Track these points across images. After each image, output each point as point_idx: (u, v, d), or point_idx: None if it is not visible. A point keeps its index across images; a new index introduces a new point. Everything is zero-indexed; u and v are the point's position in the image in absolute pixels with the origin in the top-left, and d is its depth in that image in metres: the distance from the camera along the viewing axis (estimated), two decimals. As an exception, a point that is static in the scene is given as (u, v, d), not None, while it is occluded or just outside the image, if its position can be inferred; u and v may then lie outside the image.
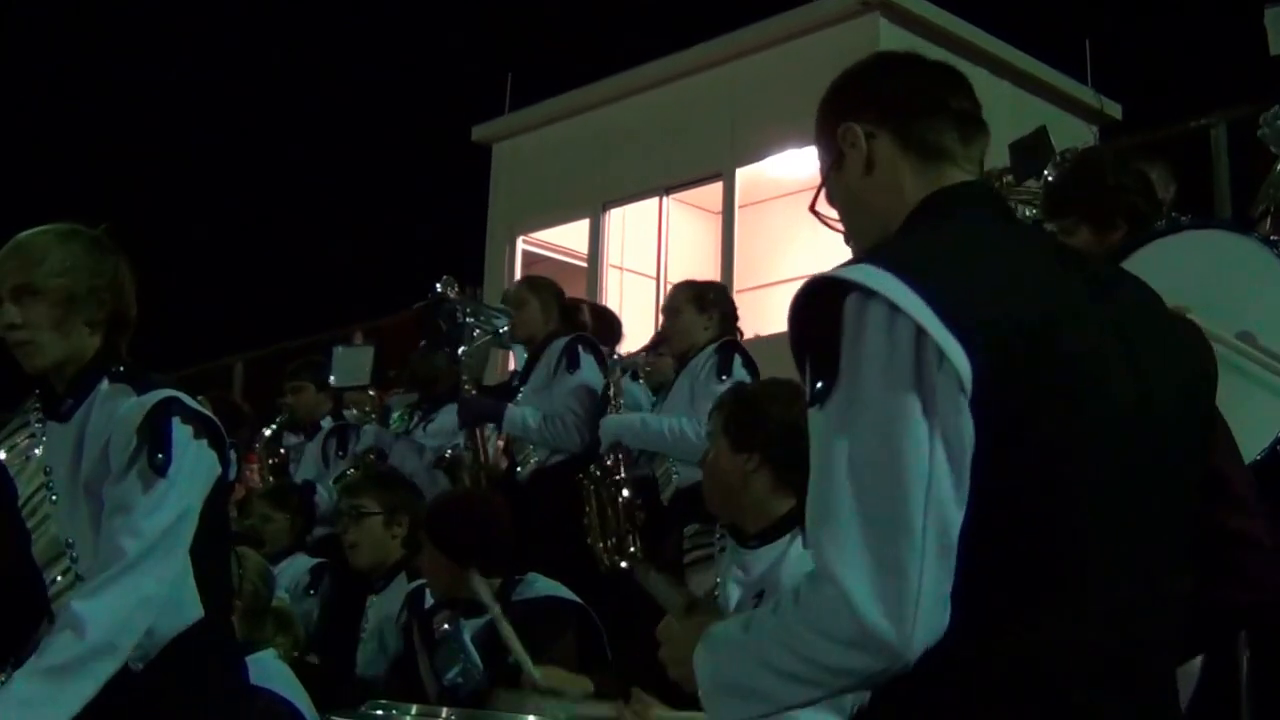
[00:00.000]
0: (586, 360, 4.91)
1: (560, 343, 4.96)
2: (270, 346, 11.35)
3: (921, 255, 1.42)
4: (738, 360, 4.52)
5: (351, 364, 6.12)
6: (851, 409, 1.35)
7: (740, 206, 9.24)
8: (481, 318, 5.77)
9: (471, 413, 5.06)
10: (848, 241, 1.66)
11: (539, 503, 4.73)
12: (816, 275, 1.42)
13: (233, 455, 2.63)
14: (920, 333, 1.33)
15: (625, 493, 4.61)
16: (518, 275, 10.56)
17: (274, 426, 6.18)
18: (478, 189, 11.28)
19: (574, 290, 8.78)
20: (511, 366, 6.73)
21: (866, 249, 1.56)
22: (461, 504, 3.61)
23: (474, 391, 5.24)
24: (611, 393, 4.78)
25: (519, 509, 4.76)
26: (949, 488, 1.31)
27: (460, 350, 5.41)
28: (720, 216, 9.46)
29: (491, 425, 5.08)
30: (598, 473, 4.63)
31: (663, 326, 4.82)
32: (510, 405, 4.92)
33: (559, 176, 10.48)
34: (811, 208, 1.70)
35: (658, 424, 4.53)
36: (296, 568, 4.79)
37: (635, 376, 5.33)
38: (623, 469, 4.63)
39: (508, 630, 3.07)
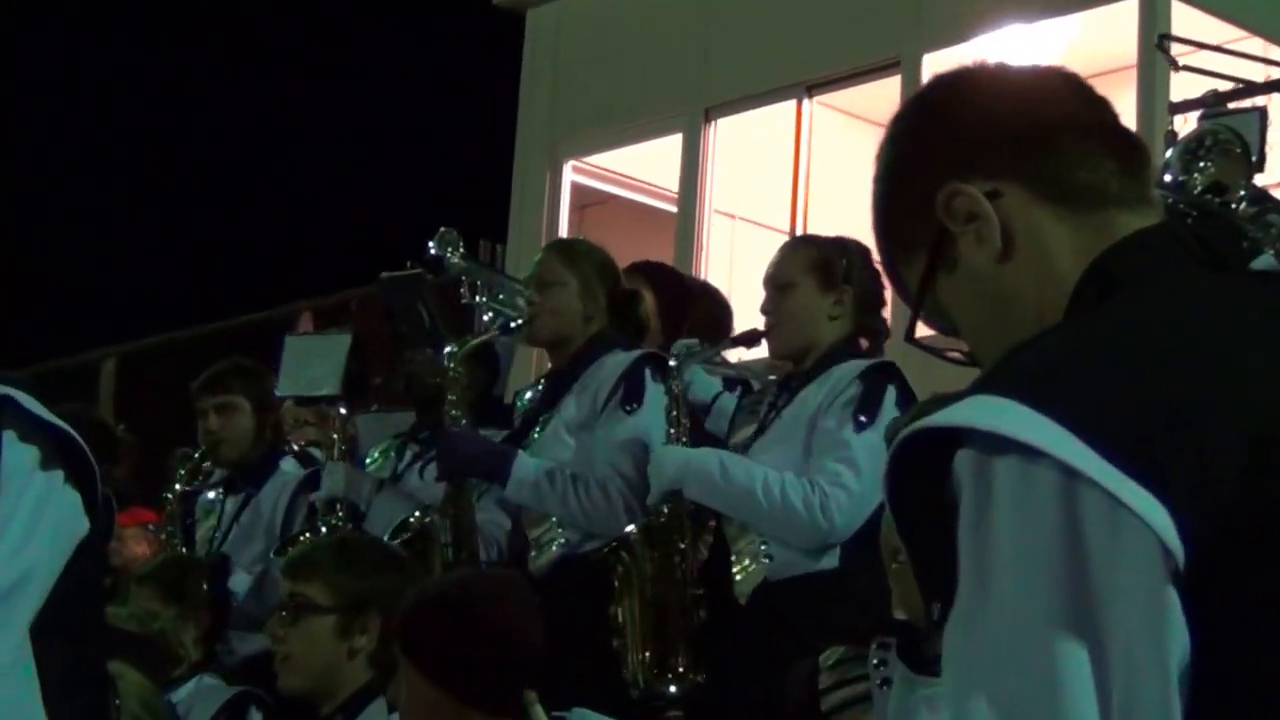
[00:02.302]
0: (654, 393, 4.83)
1: (620, 360, 4.92)
2: (157, 335, 11.58)
3: (1066, 362, 1.45)
4: (891, 397, 4.46)
5: (312, 362, 6.02)
6: (980, 627, 1.39)
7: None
8: (501, 297, 5.73)
9: (460, 457, 4.99)
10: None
11: (561, 605, 4.73)
12: (915, 425, 1.47)
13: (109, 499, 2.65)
14: (1073, 479, 1.37)
15: (679, 573, 4.58)
16: (564, 222, 10.64)
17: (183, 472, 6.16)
18: (502, 83, 11.37)
19: (657, 249, 8.82)
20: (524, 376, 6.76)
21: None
22: (457, 599, 3.60)
23: (465, 421, 5.07)
24: (674, 413, 4.74)
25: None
26: (1154, 715, 1.34)
27: (447, 351, 5.28)
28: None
29: (480, 481, 5.05)
30: (638, 541, 4.60)
31: (763, 310, 4.78)
32: (521, 454, 4.87)
33: (633, 64, 10.54)
34: (909, 337, 1.74)
35: (746, 475, 4.41)
36: (202, 699, 4.84)
37: (740, 388, 5.32)
38: (680, 537, 4.61)
39: None
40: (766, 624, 4.33)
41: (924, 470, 1.46)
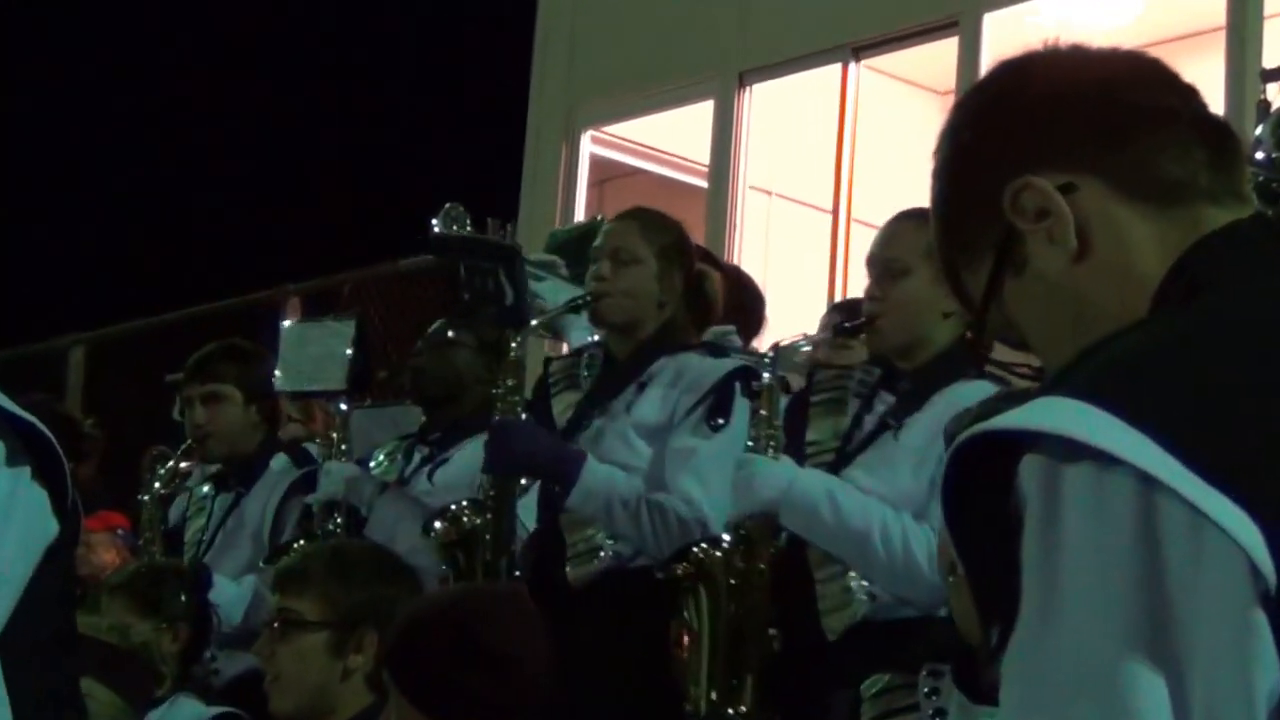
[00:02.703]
0: (742, 410, 4.74)
1: (709, 367, 4.86)
2: (130, 320, 11.60)
3: (1145, 363, 1.46)
4: None
5: (312, 353, 5.97)
6: (1045, 652, 1.40)
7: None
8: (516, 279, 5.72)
9: (518, 452, 4.91)
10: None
11: (606, 622, 4.69)
12: (976, 429, 1.47)
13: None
14: (1152, 489, 1.37)
15: (755, 600, 4.49)
16: (581, 198, 10.63)
17: (165, 470, 6.12)
18: (513, 44, 11.37)
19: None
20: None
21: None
22: (448, 621, 3.61)
23: (522, 412, 4.98)
24: (764, 411, 4.48)
25: (560, 631, 4.79)
26: None
27: (509, 333, 5.15)
28: (952, 98, 9.40)
29: (526, 482, 4.99)
30: (704, 557, 4.48)
31: (867, 295, 4.66)
32: (591, 459, 4.76)
33: (659, 22, 10.52)
34: (976, 345, 1.79)
35: (861, 515, 4.25)
36: (180, 721, 4.89)
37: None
38: (762, 558, 4.48)
39: None
40: (866, 667, 4.12)
41: (985, 479, 1.46)
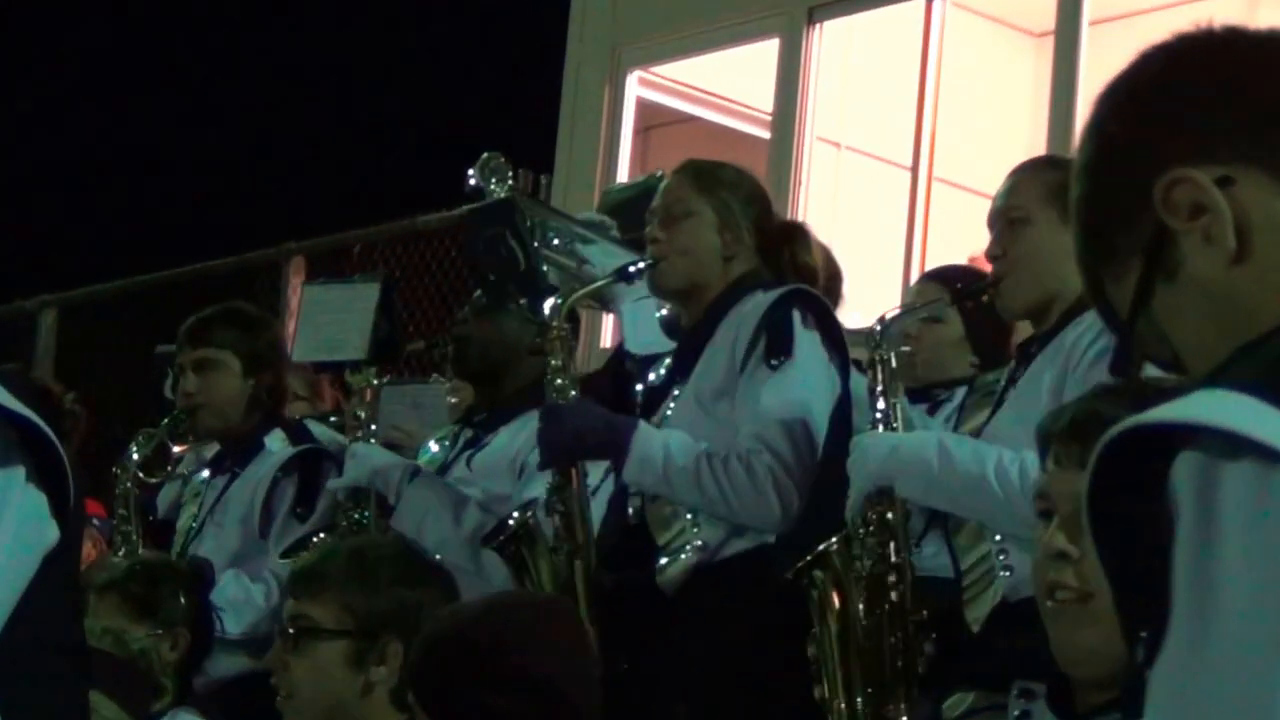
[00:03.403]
0: (808, 341, 4.76)
1: (759, 302, 4.83)
2: (108, 281, 11.64)
3: None
4: None
5: (334, 318, 5.96)
6: (1201, 671, 1.42)
7: (1092, 23, 9.20)
8: (556, 242, 5.70)
9: (569, 433, 4.93)
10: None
11: (698, 628, 4.71)
12: (1127, 423, 1.50)
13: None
14: None
15: (894, 596, 4.43)
16: (625, 147, 10.65)
17: (144, 444, 6.12)
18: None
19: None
20: (606, 342, 6.74)
21: None
22: (478, 637, 3.64)
23: (574, 392, 4.98)
24: (879, 389, 4.54)
25: (656, 638, 4.77)
26: None
27: (550, 304, 5.14)
28: (1051, 40, 9.42)
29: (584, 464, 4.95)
30: (836, 553, 4.44)
31: (988, 255, 4.61)
32: (643, 425, 4.81)
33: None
34: (1117, 369, 1.75)
35: (974, 458, 4.25)
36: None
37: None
38: (896, 549, 4.50)
39: None
40: (1006, 662, 4.10)
41: (1134, 478, 1.49)
